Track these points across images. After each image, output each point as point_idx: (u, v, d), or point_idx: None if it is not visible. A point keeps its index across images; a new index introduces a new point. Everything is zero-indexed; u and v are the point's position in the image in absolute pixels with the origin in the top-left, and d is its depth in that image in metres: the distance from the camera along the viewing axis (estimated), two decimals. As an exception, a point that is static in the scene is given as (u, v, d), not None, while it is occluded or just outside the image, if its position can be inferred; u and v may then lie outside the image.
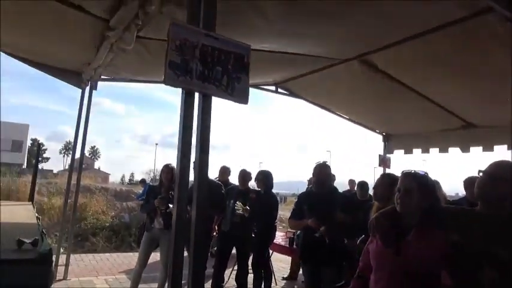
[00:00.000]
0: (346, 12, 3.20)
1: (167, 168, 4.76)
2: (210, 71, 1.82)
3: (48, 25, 3.86)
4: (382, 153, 7.99)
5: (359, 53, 4.54)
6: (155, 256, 5.21)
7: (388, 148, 7.91)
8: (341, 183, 8.20)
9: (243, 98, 1.93)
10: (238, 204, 5.02)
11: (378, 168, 7.83)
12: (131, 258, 7.02)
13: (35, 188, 5.11)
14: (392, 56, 4.28)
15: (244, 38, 2.14)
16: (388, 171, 7.33)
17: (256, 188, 5.45)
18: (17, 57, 5.07)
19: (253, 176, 5.56)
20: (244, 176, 5.38)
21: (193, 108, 1.85)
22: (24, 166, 41.93)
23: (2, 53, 4.96)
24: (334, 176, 8.22)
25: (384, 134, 7.95)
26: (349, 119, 7.52)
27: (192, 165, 1.94)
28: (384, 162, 7.94)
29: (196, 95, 1.87)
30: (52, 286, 4.82)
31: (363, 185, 6.44)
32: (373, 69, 4.84)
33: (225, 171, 6.15)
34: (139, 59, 4.37)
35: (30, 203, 4.80)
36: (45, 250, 1.84)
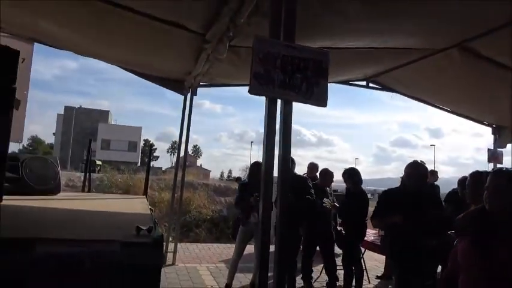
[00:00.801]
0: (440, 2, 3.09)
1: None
2: (290, 78, 1.99)
3: (153, 42, 4.47)
4: (491, 147, 7.24)
5: (458, 41, 4.27)
6: (251, 248, 5.59)
7: (500, 141, 7.12)
8: (447, 181, 7.65)
9: (321, 101, 2.06)
10: (326, 200, 5.17)
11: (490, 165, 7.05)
12: (229, 249, 7.59)
13: (148, 183, 5.90)
14: (497, 41, 3.93)
15: (324, 39, 2.27)
16: (499, 166, 6.61)
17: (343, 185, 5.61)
18: (129, 70, 5.92)
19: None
20: (325, 174, 5.64)
21: (276, 113, 2.05)
22: (139, 164, 47.26)
23: (117, 66, 5.86)
24: (436, 172, 7.71)
25: (493, 126, 7.19)
26: (451, 111, 6.98)
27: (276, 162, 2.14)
28: (494, 157, 7.17)
29: (279, 101, 2.07)
30: (163, 269, 5.53)
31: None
32: (475, 56, 4.49)
33: (313, 168, 6.32)
34: (232, 66, 4.75)
35: (145, 196, 5.56)
36: (158, 237, 2.23)
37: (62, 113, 46.34)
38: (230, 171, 75.32)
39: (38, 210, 3.46)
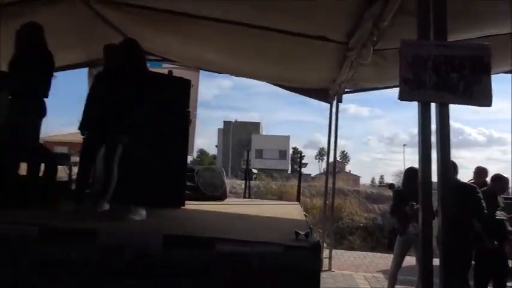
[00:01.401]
0: None
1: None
2: (445, 79, 1.87)
3: (297, 56, 4.74)
4: None
5: None
6: (410, 260, 5.26)
7: None
8: None
9: (484, 100, 1.86)
10: (501, 213, 4.44)
11: None
12: (387, 259, 7.26)
13: (300, 190, 6.22)
14: None
15: (475, 29, 2.03)
16: None
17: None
18: (276, 84, 6.37)
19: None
20: (499, 179, 4.80)
21: (430, 118, 1.95)
22: (289, 171, 49.24)
23: (265, 81, 6.39)
24: None
25: None
26: None
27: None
28: None
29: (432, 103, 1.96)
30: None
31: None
32: None
33: (481, 172, 5.50)
34: (377, 68, 4.63)
35: (298, 203, 5.87)
36: (315, 242, 2.38)
37: (222, 127, 52.26)
38: (382, 177, 71.43)
39: (211, 213, 4.07)
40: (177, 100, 4.03)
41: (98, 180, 3.75)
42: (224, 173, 5.56)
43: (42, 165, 3.56)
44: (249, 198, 6.85)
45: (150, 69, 4.23)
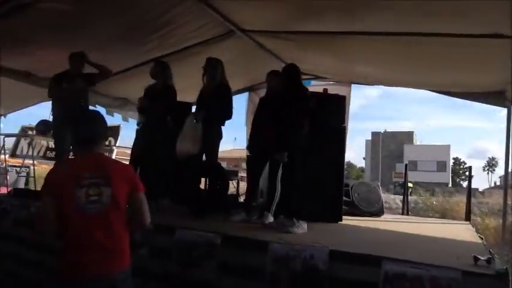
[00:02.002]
0: None
1: None
2: None
3: (461, 58, 4.29)
4: None
5: None
6: None
7: None
8: None
9: None
10: None
11: None
12: None
13: (470, 207, 5.50)
14: None
15: None
16: None
17: None
18: (432, 90, 5.85)
19: None
20: None
21: None
22: (449, 185, 43.88)
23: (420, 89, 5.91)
24: None
25: None
26: None
27: None
28: None
29: None
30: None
31: None
32: None
33: None
34: None
35: (468, 222, 5.20)
36: (503, 270, 2.08)
37: (370, 138, 50.24)
38: None
39: (372, 230, 3.97)
40: (334, 117, 4.14)
41: (263, 195, 4.12)
42: (380, 188, 5.37)
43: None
44: (407, 215, 6.39)
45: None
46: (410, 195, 16.01)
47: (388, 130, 49.28)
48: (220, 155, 4.77)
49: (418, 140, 53.21)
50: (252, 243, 2.75)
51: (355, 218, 4.59)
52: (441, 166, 46.76)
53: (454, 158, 55.65)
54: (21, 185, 6.21)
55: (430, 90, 5.87)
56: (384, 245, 2.99)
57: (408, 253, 2.57)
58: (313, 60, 5.38)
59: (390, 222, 4.68)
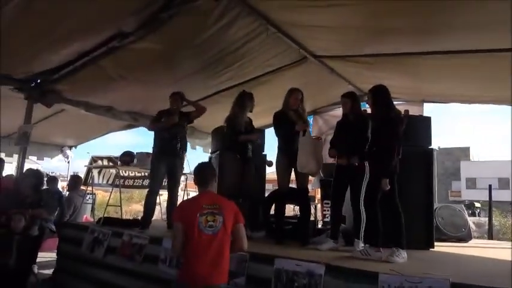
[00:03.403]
0: None
1: None
2: None
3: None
4: None
5: None
6: None
7: None
8: None
9: None
10: None
11: None
12: None
13: None
14: None
15: None
16: None
17: None
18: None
19: None
20: None
21: None
22: (516, 203, 40.52)
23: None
24: None
25: None
26: None
27: None
28: None
29: None
30: None
31: None
32: None
33: None
34: None
35: None
36: None
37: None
38: None
39: (472, 258, 3.73)
40: (421, 138, 4.03)
41: (349, 221, 4.03)
42: (465, 212, 5.09)
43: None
44: (491, 239, 5.98)
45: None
46: (479, 216, 14.99)
47: (442, 146, 46.97)
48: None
49: (475, 156, 50.19)
50: (358, 273, 2.67)
51: (443, 243, 4.35)
52: (503, 183, 43.54)
53: (516, 174, 51.58)
54: (88, 212, 6.54)
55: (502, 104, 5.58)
56: (493, 275, 2.78)
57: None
58: (383, 81, 5.31)
59: (483, 249, 4.39)
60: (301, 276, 2.84)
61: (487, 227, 10.66)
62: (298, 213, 4.91)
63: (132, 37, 3.81)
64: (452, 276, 2.41)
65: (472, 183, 43.59)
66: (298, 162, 3.74)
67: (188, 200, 3.28)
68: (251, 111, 4.29)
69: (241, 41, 4.24)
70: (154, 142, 4.60)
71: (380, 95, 3.46)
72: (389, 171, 3.27)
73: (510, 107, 5.42)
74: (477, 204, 17.36)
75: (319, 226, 5.03)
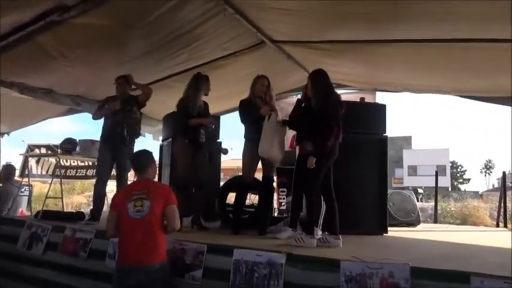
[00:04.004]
0: None
1: None
2: None
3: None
4: None
5: None
6: None
7: None
8: None
9: None
10: None
11: None
12: None
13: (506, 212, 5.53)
14: None
15: None
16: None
17: None
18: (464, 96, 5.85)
19: None
20: None
21: None
22: (450, 189, 43.76)
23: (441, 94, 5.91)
24: None
25: None
26: None
27: None
28: None
29: None
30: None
31: None
32: None
33: None
34: None
35: (506, 229, 5.19)
36: None
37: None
38: None
39: (423, 242, 3.89)
40: (375, 126, 4.10)
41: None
42: (414, 196, 5.32)
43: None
44: (435, 223, 6.34)
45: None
46: (421, 201, 15.98)
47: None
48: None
49: (416, 145, 53.41)
50: (320, 261, 2.65)
51: (394, 228, 4.50)
52: (441, 170, 46.74)
53: (451, 162, 55.74)
54: (24, 205, 6.06)
55: (457, 96, 5.87)
56: (451, 258, 2.89)
57: (487, 266, 2.49)
58: (339, 68, 5.37)
59: (433, 232, 4.62)
60: (261, 267, 2.78)
61: (430, 212, 11.40)
62: (254, 202, 4.88)
63: (75, 11, 3.46)
64: (411, 260, 2.48)
65: (413, 170, 46.41)
66: (260, 146, 3.62)
67: (122, 188, 3.46)
68: (206, 95, 4.10)
69: (196, 22, 4.02)
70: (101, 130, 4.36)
71: (319, 78, 3.45)
72: (322, 152, 3.25)
73: (458, 97, 5.76)
74: (420, 190, 18.50)
75: (275, 215, 4.99)
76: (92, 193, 5.31)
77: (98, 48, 4.18)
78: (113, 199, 2.88)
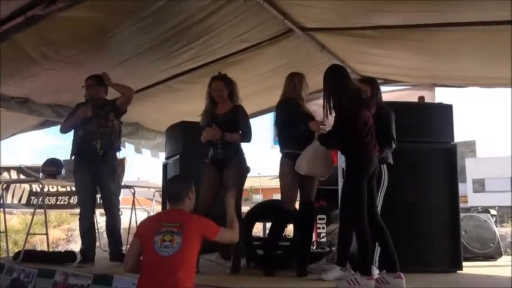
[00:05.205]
0: None
1: None
2: None
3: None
4: None
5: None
6: None
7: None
8: None
9: None
10: None
11: None
12: None
13: None
14: None
15: None
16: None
17: None
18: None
19: None
20: None
21: None
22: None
23: None
24: None
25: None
26: None
27: None
28: None
29: None
30: None
31: None
32: None
33: None
34: None
35: None
36: None
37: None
38: None
39: (505, 282, 3.83)
40: (440, 132, 4.11)
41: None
42: (492, 222, 5.28)
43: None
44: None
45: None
46: (496, 225, 15.60)
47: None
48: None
49: (481, 152, 52.41)
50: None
51: (469, 263, 4.44)
52: (515, 185, 45.65)
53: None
54: None
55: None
56: None
57: None
58: (390, 61, 5.41)
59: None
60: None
61: (509, 240, 11.10)
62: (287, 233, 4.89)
63: (61, 3, 3.59)
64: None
65: (479, 185, 45.39)
66: (301, 162, 3.66)
67: (153, 215, 3.63)
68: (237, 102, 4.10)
69: (208, 10, 4.12)
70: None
71: (335, 74, 3.54)
72: (352, 166, 3.31)
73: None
74: (493, 212, 18.11)
75: (313, 249, 5.00)
76: (71, 226, 5.39)
77: (88, 47, 4.31)
78: (140, 225, 2.94)
